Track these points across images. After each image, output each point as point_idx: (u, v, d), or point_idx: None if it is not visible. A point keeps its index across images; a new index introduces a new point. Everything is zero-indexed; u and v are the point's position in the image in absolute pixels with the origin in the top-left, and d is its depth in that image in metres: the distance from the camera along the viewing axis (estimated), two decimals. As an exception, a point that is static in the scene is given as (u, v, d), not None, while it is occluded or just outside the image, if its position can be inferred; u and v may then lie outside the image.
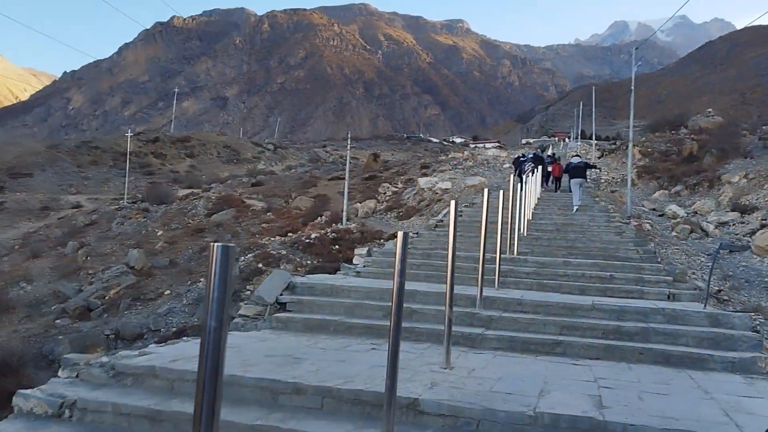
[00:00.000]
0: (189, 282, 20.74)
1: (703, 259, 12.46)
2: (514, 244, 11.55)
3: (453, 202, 6.64)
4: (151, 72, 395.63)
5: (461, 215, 15.35)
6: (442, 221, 14.97)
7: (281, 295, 8.60)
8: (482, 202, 8.42)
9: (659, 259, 11.45)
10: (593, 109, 48.90)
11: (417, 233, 13.49)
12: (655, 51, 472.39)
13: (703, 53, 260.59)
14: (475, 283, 8.05)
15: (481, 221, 7.68)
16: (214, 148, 77.05)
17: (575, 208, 17.60)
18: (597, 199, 19.93)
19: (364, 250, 11.88)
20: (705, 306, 8.03)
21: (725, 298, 9.26)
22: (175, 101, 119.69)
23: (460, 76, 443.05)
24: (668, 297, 9.19)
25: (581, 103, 72.46)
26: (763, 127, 35.22)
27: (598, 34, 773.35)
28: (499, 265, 9.49)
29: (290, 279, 9.07)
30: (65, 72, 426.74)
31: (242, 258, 21.25)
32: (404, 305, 4.56)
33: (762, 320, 8.49)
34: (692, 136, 31.87)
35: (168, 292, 20.18)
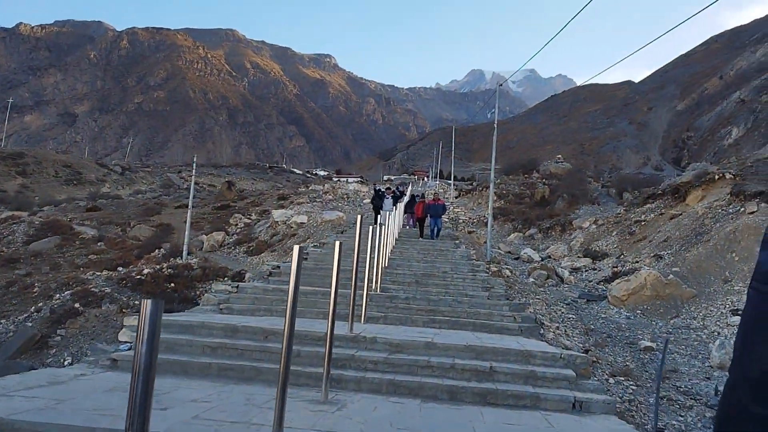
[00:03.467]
0: (-15, 324, 17.25)
1: (563, 309, 11.83)
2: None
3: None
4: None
5: (306, 258, 13.77)
6: (278, 268, 12.89)
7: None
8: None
9: (542, 332, 9.61)
10: (453, 150, 49.84)
11: (236, 287, 10.75)
12: (507, 100, 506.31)
13: (548, 105, 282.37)
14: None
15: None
16: (52, 167, 69.92)
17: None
18: (457, 242, 19.22)
19: (222, 286, 10.08)
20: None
21: (594, 359, 8.43)
22: (7, 113, 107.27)
23: (326, 109, 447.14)
24: (573, 406, 6.72)
25: (440, 143, 74.45)
26: (605, 175, 37.36)
27: (456, 81, 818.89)
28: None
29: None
30: None
31: (57, 296, 18.16)
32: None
33: (634, 386, 7.70)
34: (543, 180, 32.90)
35: (-45, 336, 16.60)
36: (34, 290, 19.41)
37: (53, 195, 61.90)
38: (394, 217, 16.77)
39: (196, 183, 76.46)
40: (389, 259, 14.31)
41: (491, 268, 14.43)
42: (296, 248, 4.86)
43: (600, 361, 8.56)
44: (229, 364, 7.20)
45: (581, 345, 9.20)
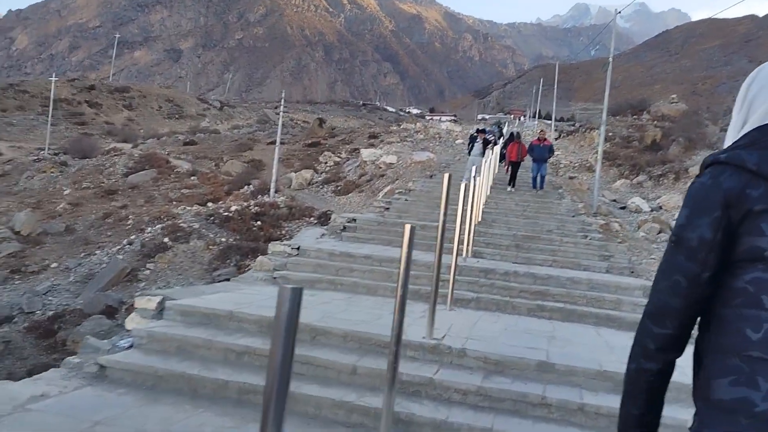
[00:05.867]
0: (82, 254, 17.77)
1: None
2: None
3: (408, 228, 3.89)
4: (103, 17, 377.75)
5: (388, 208, 12.65)
6: (353, 221, 11.06)
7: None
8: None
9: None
10: (555, 88, 46.96)
11: (297, 249, 8.76)
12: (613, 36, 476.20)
13: (659, 42, 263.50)
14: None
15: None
16: (155, 101, 72.32)
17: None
18: (560, 190, 17.54)
19: (279, 247, 8.89)
20: None
21: None
22: (114, 48, 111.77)
23: (422, 46, 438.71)
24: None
25: (541, 80, 70.77)
26: (727, 117, 33.82)
27: (559, 15, 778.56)
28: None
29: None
30: (10, 10, 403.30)
31: (148, 229, 18.38)
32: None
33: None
34: (655, 122, 30.17)
35: (55, 264, 17.19)
36: (128, 223, 19.77)
37: (156, 128, 64.12)
38: (489, 165, 15.15)
39: (291, 119, 77.12)
40: (482, 212, 12.33)
41: (598, 221, 12.95)
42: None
43: None
44: (253, 386, 4.60)
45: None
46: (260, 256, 8.78)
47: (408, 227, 3.54)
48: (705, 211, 1.28)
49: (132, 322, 5.91)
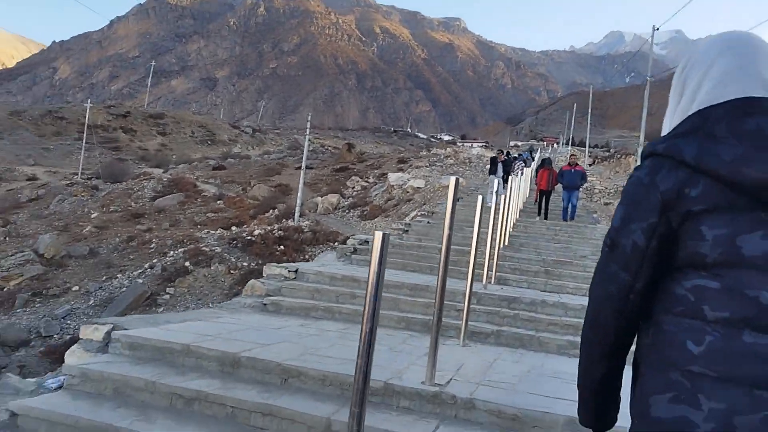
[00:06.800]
0: (104, 278, 17.53)
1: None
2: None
3: (378, 237, 3.35)
4: (142, 47, 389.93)
5: (407, 231, 11.96)
6: (366, 243, 10.07)
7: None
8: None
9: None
10: (589, 114, 46.16)
11: (295, 272, 7.88)
12: (648, 63, 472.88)
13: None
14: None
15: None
16: (188, 128, 73.45)
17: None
18: (595, 215, 16.73)
19: (276, 269, 8.14)
20: None
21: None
22: (149, 77, 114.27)
23: (454, 74, 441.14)
24: None
25: (574, 107, 69.93)
26: None
27: (593, 43, 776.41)
28: None
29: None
30: (54, 41, 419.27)
31: (171, 253, 18.10)
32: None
33: None
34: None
35: (76, 288, 16.97)
36: (151, 246, 19.55)
37: (189, 154, 65.01)
38: (519, 187, 14.39)
39: (321, 145, 77.46)
40: (510, 236, 11.26)
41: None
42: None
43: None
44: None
45: None
46: (252, 280, 7.90)
47: (379, 234, 2.58)
48: (640, 214, 1.20)
49: (72, 355, 4.74)
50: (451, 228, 4.14)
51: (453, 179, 3.91)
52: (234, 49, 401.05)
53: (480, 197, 6.69)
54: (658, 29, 17.94)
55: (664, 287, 1.21)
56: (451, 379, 4.35)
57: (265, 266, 8.15)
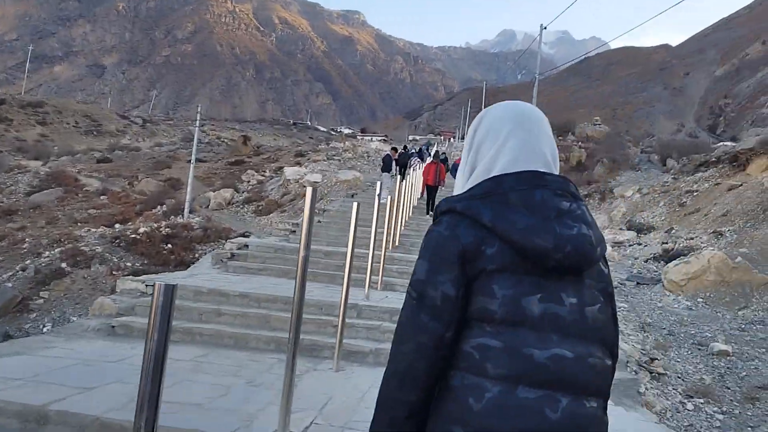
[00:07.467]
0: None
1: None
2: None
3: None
4: (20, 30, 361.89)
5: (294, 232, 11.56)
6: (245, 247, 9.64)
7: None
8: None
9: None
10: (482, 110, 47.41)
11: (152, 285, 6.61)
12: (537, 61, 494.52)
13: (581, 67, 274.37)
14: None
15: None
16: (72, 117, 68.82)
17: None
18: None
19: (131, 283, 7.11)
20: None
21: (661, 371, 6.56)
22: (27, 60, 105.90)
23: (354, 67, 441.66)
24: None
25: (469, 102, 71.81)
26: (646, 139, 34.89)
27: (487, 40, 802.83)
28: None
29: None
30: None
31: (46, 253, 16.72)
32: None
33: (720, 414, 5.80)
34: (580, 143, 30.60)
35: (-67, 294, 15.25)
36: (24, 246, 18.00)
37: (72, 145, 61.01)
38: (411, 185, 14.22)
39: (218, 137, 74.90)
40: (401, 235, 10.86)
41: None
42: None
43: (668, 373, 6.66)
44: None
45: (640, 347, 7.30)
46: (101, 297, 6.96)
47: (159, 286, 1.94)
48: (446, 266, 1.23)
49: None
50: (307, 247, 3.56)
51: (310, 190, 3.47)
52: (123, 35, 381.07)
53: (355, 204, 6.22)
54: (545, 28, 18.55)
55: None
56: (311, 423, 3.66)
57: (118, 280, 7.43)
